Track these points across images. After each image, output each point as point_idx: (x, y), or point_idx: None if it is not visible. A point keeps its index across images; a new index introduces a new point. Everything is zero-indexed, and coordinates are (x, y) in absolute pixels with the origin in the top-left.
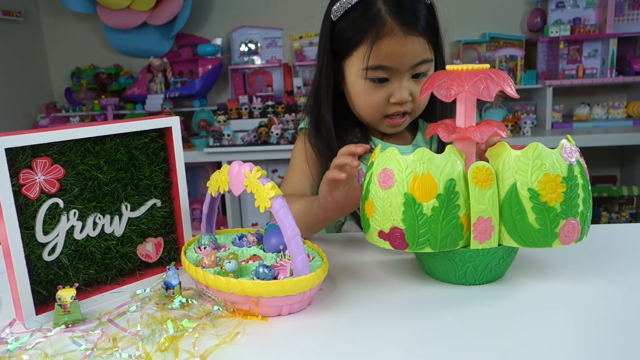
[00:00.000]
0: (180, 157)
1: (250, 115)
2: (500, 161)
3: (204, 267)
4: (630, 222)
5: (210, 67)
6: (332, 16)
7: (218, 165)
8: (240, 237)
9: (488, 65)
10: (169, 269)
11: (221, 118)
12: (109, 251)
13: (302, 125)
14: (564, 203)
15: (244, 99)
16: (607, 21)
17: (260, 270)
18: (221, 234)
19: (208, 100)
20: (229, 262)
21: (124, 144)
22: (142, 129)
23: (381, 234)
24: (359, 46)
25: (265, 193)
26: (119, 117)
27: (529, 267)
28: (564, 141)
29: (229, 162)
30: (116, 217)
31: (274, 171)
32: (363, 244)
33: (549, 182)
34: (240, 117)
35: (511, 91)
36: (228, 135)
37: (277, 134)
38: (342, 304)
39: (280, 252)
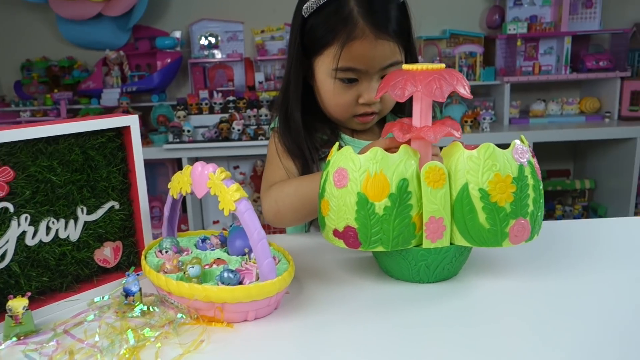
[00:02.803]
0: (139, 157)
1: (211, 111)
2: (453, 161)
3: (165, 273)
4: (583, 214)
5: (169, 60)
6: (303, 13)
7: (178, 161)
8: (204, 240)
9: (443, 65)
10: (128, 274)
11: (181, 113)
12: (63, 257)
13: (272, 124)
14: (513, 203)
15: (204, 93)
16: (562, 19)
17: (225, 275)
18: (183, 237)
19: (167, 95)
20: (192, 267)
21: (79, 144)
22: (99, 128)
23: (336, 233)
24: (329, 46)
25: (229, 195)
26: (72, 112)
27: (482, 265)
28: (516, 141)
29: (189, 159)
30: (71, 221)
31: (236, 167)
32: (324, 243)
33: (499, 183)
34: (200, 112)
35: (464, 92)
36: (188, 131)
37: (238, 130)
38: (308, 307)
39: (245, 255)
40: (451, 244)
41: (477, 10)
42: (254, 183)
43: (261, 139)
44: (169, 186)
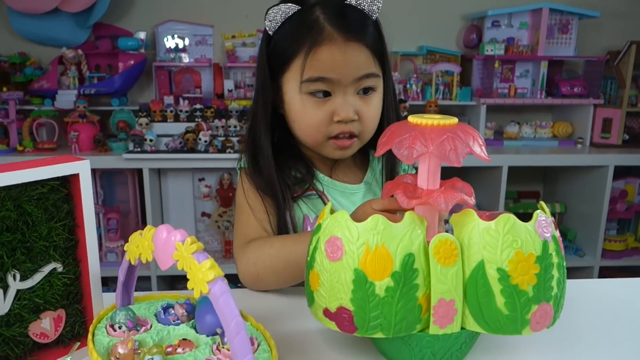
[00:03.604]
0: (89, 209)
1: (176, 119)
2: (466, 232)
3: (117, 359)
4: None
5: (132, 62)
6: (267, 29)
7: (139, 172)
8: (166, 309)
9: (456, 120)
10: None
11: (143, 121)
12: None
13: (240, 164)
14: (536, 286)
15: (169, 99)
16: (539, 43)
17: None
18: (142, 302)
19: (128, 99)
20: (152, 358)
21: (12, 197)
22: (39, 179)
23: (327, 313)
24: (295, 57)
25: (201, 274)
26: (23, 113)
27: (490, 344)
28: (538, 213)
29: (151, 170)
30: None
31: (201, 180)
32: (304, 305)
33: (521, 262)
34: (164, 120)
35: (481, 152)
36: (150, 140)
37: (205, 141)
38: None
39: (216, 335)
40: (462, 328)
41: (454, 29)
42: (220, 196)
43: (229, 152)
44: (125, 248)
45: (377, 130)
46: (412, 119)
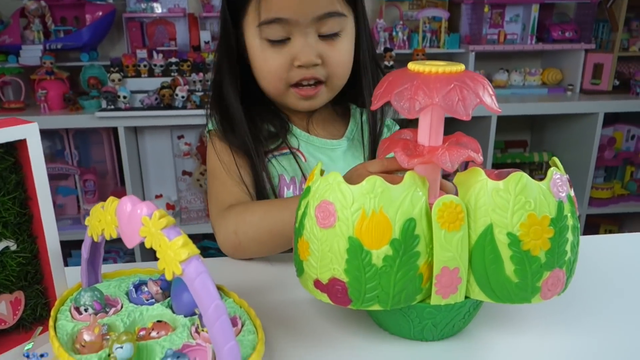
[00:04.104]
0: (42, 178)
1: (151, 74)
2: (472, 193)
3: (83, 348)
4: None
5: (100, 13)
6: None
7: (114, 131)
8: (138, 286)
9: (462, 67)
10: (27, 355)
11: (115, 76)
12: None
13: (209, 126)
14: (549, 252)
15: (142, 53)
16: None
17: None
18: (111, 278)
19: (99, 54)
20: (121, 347)
21: None
22: None
23: (317, 284)
24: None
25: (173, 253)
26: None
27: (492, 313)
28: (553, 170)
29: (127, 128)
30: None
31: (180, 137)
32: (291, 272)
33: (533, 226)
34: (138, 75)
35: (492, 103)
36: (124, 97)
37: (182, 97)
38: None
39: (195, 315)
40: (466, 297)
41: None
42: (201, 154)
43: (208, 107)
44: (86, 222)
45: (351, 78)
46: (412, 66)
